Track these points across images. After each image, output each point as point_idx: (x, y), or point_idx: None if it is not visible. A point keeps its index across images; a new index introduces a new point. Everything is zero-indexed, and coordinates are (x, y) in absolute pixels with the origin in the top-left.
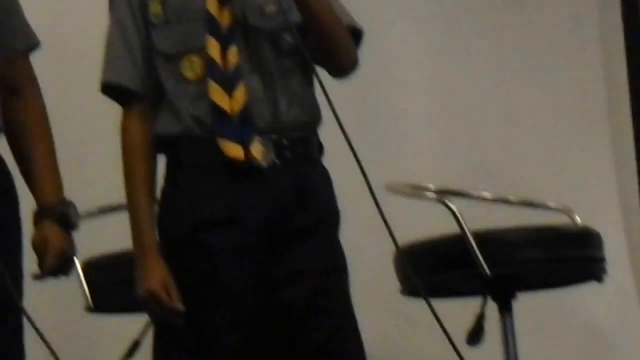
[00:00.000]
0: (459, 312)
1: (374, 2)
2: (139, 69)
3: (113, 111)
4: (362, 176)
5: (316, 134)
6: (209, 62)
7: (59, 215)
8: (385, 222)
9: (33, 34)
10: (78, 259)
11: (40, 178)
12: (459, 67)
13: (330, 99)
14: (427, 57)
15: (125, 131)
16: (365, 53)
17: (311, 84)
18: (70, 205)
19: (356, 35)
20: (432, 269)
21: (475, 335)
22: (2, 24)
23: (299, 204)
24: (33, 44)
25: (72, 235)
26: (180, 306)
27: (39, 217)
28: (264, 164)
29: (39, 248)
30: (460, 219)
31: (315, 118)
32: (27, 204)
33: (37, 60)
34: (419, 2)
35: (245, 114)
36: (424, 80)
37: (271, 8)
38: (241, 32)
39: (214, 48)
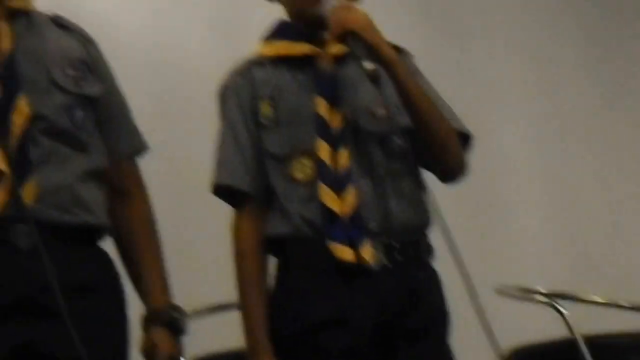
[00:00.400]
0: None
1: (486, 100)
2: (250, 170)
3: (223, 211)
4: (468, 279)
5: (426, 235)
6: (319, 164)
7: (168, 321)
8: (487, 326)
9: (141, 138)
10: (188, 358)
11: (148, 283)
12: (570, 168)
13: (437, 203)
14: (538, 161)
15: (236, 232)
16: (475, 153)
17: (421, 185)
18: (178, 310)
19: (465, 139)
20: None
21: None
22: (112, 127)
23: (409, 306)
24: (141, 148)
25: (181, 340)
26: None
27: (148, 322)
28: (374, 266)
29: (148, 353)
30: (571, 323)
31: (424, 220)
32: (134, 306)
33: (148, 162)
34: (531, 103)
35: (356, 217)
36: (534, 182)
37: (381, 111)
38: (351, 134)
39: (324, 150)
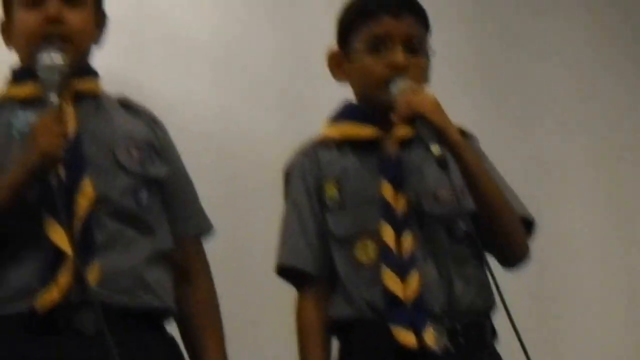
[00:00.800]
0: None
1: (548, 186)
2: (314, 251)
3: (287, 292)
4: None
5: (489, 318)
6: (383, 248)
7: None
8: None
9: (207, 219)
10: None
11: None
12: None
13: (500, 289)
14: (602, 247)
15: (300, 313)
16: (538, 237)
17: (485, 268)
18: None
19: (529, 225)
20: None
21: None
22: (178, 208)
23: None
24: (206, 229)
25: None
26: None
27: None
28: (437, 350)
29: None
30: None
31: (488, 303)
32: None
33: (212, 242)
34: (594, 187)
35: (419, 301)
36: (597, 268)
37: (445, 194)
38: (416, 218)
39: (388, 234)
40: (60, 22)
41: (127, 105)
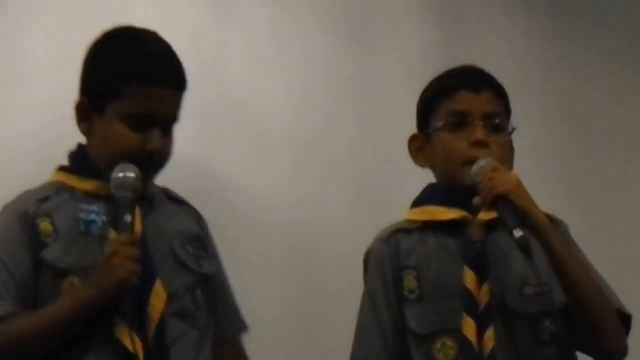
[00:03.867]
0: None
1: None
2: (388, 348)
3: None
4: None
5: None
6: (464, 344)
7: None
8: None
9: (243, 319)
10: None
11: None
12: None
13: None
14: None
15: None
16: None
17: None
18: None
19: (625, 320)
20: None
21: None
22: (220, 307)
23: None
24: (244, 328)
25: None
26: None
27: None
28: None
29: None
30: None
31: None
32: None
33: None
34: None
35: None
36: None
37: (531, 289)
38: (498, 313)
39: (470, 328)
40: (157, 153)
41: (172, 198)
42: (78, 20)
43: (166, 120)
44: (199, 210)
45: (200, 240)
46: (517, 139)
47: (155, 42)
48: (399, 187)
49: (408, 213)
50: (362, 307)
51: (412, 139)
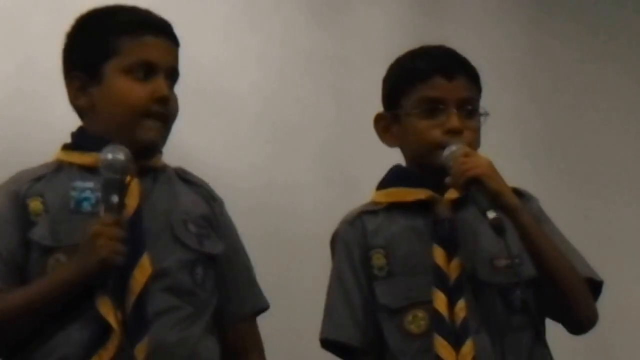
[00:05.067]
0: None
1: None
2: (359, 323)
3: None
4: None
5: None
6: (435, 316)
7: None
8: None
9: (263, 297)
10: None
11: None
12: None
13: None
14: None
15: None
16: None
17: (542, 340)
18: None
19: (595, 287)
20: None
21: None
22: (233, 288)
23: None
24: (263, 307)
25: None
26: None
27: None
28: None
29: None
30: None
31: None
32: None
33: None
34: None
35: None
36: None
37: (502, 262)
38: (469, 284)
39: (440, 302)
40: (168, 102)
41: (185, 179)
42: None
43: (167, 70)
44: None
45: (208, 220)
46: (487, 130)
47: (136, 7)
48: (372, 169)
49: (374, 195)
50: (330, 287)
51: (378, 118)
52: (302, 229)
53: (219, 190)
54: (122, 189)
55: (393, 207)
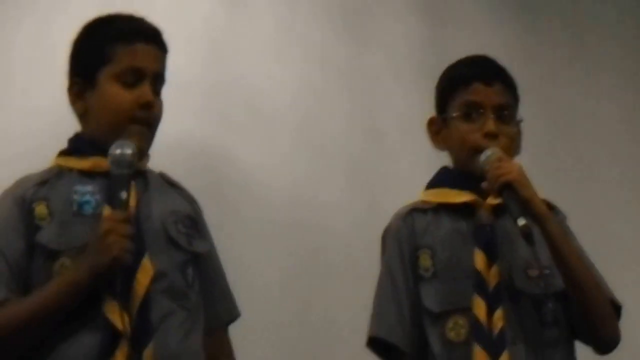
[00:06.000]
0: None
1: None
2: (406, 325)
3: None
4: None
5: None
6: (475, 324)
7: None
8: None
9: (235, 306)
10: None
11: None
12: None
13: None
14: None
15: None
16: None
17: (572, 357)
18: None
19: (616, 311)
20: None
21: None
22: (211, 293)
23: None
24: (236, 316)
25: None
26: None
27: None
28: None
29: None
30: None
31: None
32: None
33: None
34: None
35: None
36: None
37: (534, 272)
38: (507, 294)
39: (480, 308)
40: (151, 108)
41: (169, 182)
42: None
43: (153, 77)
44: (205, 185)
45: (192, 220)
46: None
47: (133, 15)
48: (389, 166)
49: (423, 194)
50: (380, 283)
51: (431, 122)
52: (324, 222)
53: (248, 184)
54: (129, 185)
55: (441, 208)
